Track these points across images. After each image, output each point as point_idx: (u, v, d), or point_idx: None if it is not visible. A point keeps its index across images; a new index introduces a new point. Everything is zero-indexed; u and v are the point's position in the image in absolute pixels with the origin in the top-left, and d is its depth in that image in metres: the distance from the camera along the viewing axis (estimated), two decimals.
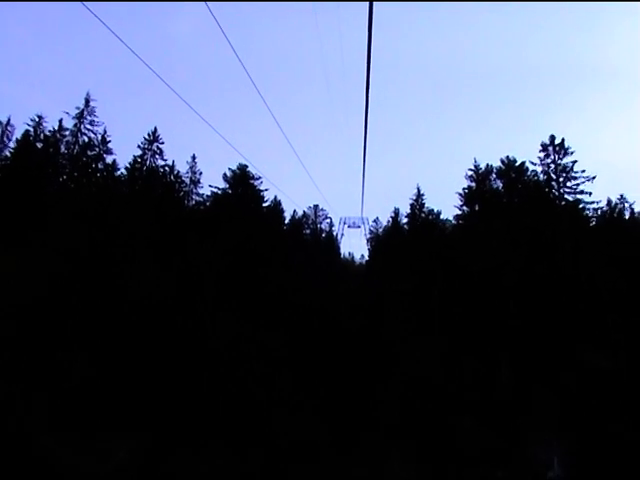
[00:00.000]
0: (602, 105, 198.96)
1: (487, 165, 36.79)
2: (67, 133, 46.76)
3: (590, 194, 32.73)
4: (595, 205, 33.14)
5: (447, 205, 39.32)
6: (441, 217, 43.08)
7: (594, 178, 32.26)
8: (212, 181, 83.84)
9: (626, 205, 48.41)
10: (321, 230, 76.60)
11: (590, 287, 28.43)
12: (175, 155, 74.29)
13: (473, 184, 37.72)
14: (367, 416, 26.40)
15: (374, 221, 76.50)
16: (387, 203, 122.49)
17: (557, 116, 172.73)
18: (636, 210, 52.58)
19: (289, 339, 33.92)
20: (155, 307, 33.71)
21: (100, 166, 47.73)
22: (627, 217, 50.73)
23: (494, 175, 35.39)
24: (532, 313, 28.34)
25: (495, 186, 35.80)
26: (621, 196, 48.90)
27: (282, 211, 59.15)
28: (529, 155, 35.70)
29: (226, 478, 23.09)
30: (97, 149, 47.50)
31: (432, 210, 41.89)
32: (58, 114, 47.16)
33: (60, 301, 31.68)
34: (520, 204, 32.70)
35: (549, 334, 27.02)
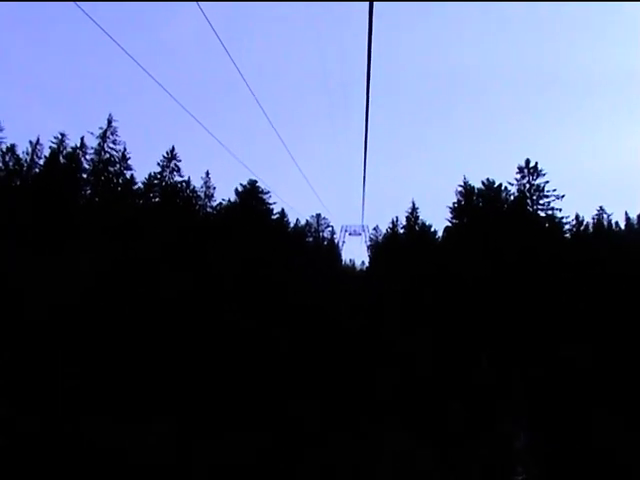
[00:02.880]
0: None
1: (470, 186, 41.51)
2: (90, 151, 50.38)
3: (560, 210, 37.50)
4: (564, 220, 37.80)
5: (443, 209, 43.54)
6: (433, 229, 48.03)
7: (563, 196, 37.04)
8: (224, 191, 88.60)
9: (605, 216, 53.25)
10: (323, 238, 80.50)
11: (558, 289, 32.80)
12: (189, 168, 78.52)
13: (462, 199, 42.26)
14: (367, 406, 30.56)
15: (374, 229, 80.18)
16: (387, 211, 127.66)
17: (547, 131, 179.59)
18: (613, 220, 57.55)
19: (294, 336, 37.96)
20: (174, 307, 37.73)
21: (120, 181, 51.95)
22: (609, 226, 55.67)
23: (475, 196, 39.99)
24: (510, 313, 32.71)
25: (480, 203, 40.36)
26: (600, 207, 53.61)
27: (288, 222, 63.81)
28: (509, 172, 40.39)
29: (244, 458, 26.92)
30: (118, 165, 51.62)
31: (425, 223, 46.71)
32: (78, 131, 50.81)
33: (93, 301, 35.62)
34: (501, 219, 37.08)
35: (521, 332, 31.41)
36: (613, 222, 63.75)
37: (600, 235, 52.14)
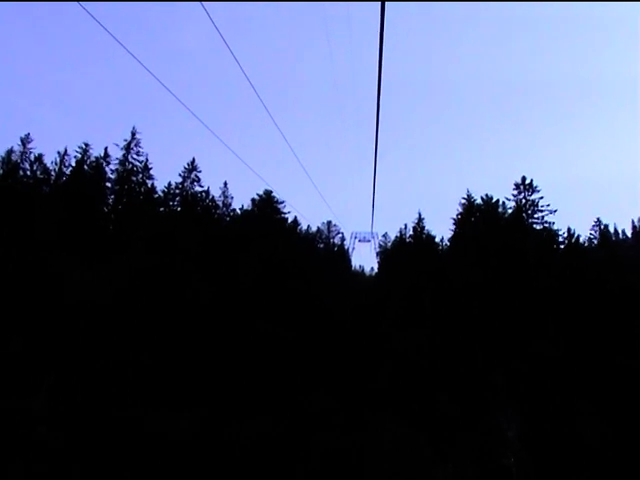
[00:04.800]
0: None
1: (473, 199, 44.81)
2: (115, 161, 53.08)
3: (553, 223, 40.64)
4: (559, 232, 40.87)
5: (449, 216, 46.75)
6: (438, 238, 51.59)
7: (555, 211, 40.14)
8: (240, 199, 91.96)
9: (602, 226, 55.95)
10: (334, 244, 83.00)
11: (545, 294, 35.67)
12: (206, 178, 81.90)
13: (464, 212, 45.41)
14: (369, 395, 33.68)
15: (383, 236, 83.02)
16: (397, 217, 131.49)
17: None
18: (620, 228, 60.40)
19: (307, 335, 41.02)
20: (203, 308, 40.84)
21: (142, 190, 54.99)
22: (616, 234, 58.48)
23: (476, 210, 43.19)
24: (498, 314, 35.63)
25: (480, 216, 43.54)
26: (597, 219, 56.29)
27: (301, 231, 67.08)
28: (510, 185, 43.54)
29: (265, 440, 29.91)
30: (140, 175, 54.66)
31: (430, 233, 50.20)
32: (103, 142, 53.31)
33: (129, 303, 38.70)
34: (498, 232, 40.09)
35: (509, 331, 34.39)
36: (620, 230, 66.45)
37: (607, 245, 54.95)
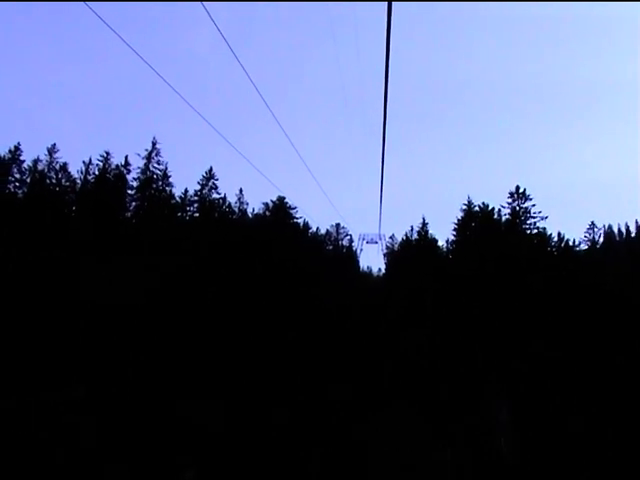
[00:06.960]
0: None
1: (473, 205, 48.38)
2: (137, 169, 55.82)
3: (544, 229, 44.16)
4: (551, 237, 44.21)
5: (452, 218, 49.95)
6: (440, 242, 55.05)
7: (546, 218, 43.56)
8: (252, 203, 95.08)
9: (595, 230, 58.79)
10: (342, 246, 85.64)
11: (540, 294, 38.43)
12: (221, 183, 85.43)
13: (465, 217, 48.67)
14: (369, 394, 36.24)
15: (390, 237, 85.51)
16: (404, 219, 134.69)
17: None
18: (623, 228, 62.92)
19: (309, 335, 43.83)
20: (218, 308, 43.75)
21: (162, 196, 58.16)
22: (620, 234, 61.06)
23: (475, 216, 46.71)
24: (498, 314, 38.41)
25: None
26: (592, 223, 59.12)
27: (312, 234, 70.35)
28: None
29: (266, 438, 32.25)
30: (160, 183, 57.84)
31: (433, 237, 53.90)
32: (121, 148, 55.88)
33: (152, 303, 41.57)
34: (495, 237, 43.26)
35: (509, 331, 37.06)
36: (624, 231, 68.59)
37: (612, 246, 57.51)
